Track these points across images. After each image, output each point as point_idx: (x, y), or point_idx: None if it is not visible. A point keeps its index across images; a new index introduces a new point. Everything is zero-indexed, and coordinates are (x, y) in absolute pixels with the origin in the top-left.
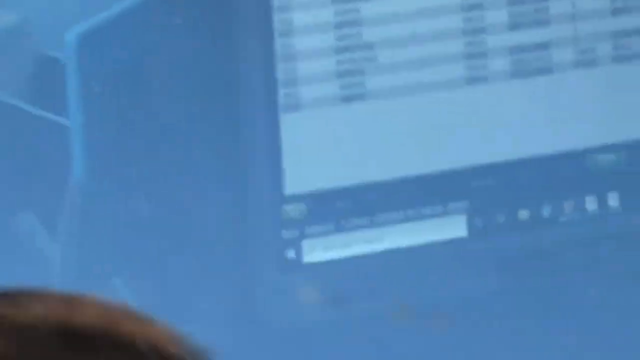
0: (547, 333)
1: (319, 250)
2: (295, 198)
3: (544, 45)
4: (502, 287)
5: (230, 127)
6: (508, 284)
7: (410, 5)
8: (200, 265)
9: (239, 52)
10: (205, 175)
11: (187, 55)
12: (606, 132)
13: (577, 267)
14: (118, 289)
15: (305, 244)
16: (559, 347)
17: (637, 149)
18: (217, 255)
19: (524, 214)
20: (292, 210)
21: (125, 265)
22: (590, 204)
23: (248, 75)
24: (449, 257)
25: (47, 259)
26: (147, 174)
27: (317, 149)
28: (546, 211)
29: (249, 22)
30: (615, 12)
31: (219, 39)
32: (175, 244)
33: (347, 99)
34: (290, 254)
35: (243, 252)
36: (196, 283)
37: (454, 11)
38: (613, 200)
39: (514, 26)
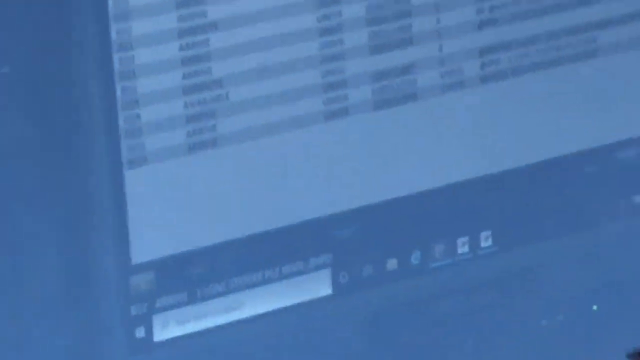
0: None
1: (172, 325)
2: (143, 267)
3: (407, 69)
4: (370, 350)
5: (70, 187)
6: (378, 341)
7: (262, 32)
8: (40, 349)
9: (79, 99)
10: (44, 244)
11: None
12: (480, 163)
13: (452, 316)
14: None
15: (157, 319)
16: None
17: (512, 181)
18: (59, 336)
19: (392, 263)
20: (140, 282)
21: None
22: (462, 246)
23: (89, 128)
24: (315, 320)
25: None
26: None
27: (165, 208)
28: (415, 258)
29: (87, 64)
30: (482, 25)
31: (58, 80)
32: (12, 321)
33: (197, 147)
34: (140, 332)
35: (88, 333)
36: None
37: (309, 37)
38: (486, 240)
39: (374, 49)
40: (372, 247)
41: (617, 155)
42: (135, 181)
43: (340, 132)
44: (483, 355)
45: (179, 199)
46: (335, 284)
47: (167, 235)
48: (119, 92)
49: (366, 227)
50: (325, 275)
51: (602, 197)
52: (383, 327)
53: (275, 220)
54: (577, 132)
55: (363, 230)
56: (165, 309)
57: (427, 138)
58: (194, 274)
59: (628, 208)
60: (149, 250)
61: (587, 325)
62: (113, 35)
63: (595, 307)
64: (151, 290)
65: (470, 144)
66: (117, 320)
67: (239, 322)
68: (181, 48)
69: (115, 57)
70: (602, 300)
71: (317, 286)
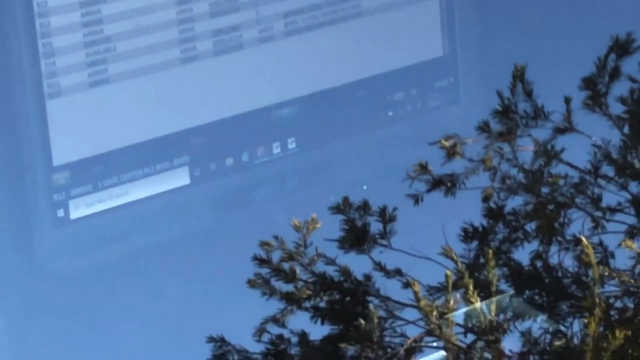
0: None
1: (82, 207)
2: (61, 168)
3: (235, 28)
4: (218, 222)
5: (9, 113)
6: (223, 216)
7: (136, 4)
8: None
9: (11, 53)
10: None
11: None
12: (285, 91)
13: (269, 199)
14: None
15: (72, 203)
16: None
17: (308, 103)
18: (1, 218)
19: (229, 161)
20: (60, 178)
21: None
22: (276, 148)
23: (20, 71)
24: (178, 202)
25: None
26: None
27: (75, 127)
28: (245, 157)
29: (15, 26)
30: None
31: None
32: None
33: (96, 84)
34: (60, 213)
35: (23, 215)
36: None
37: (169, 7)
38: (291, 143)
39: (214, 14)
40: (215, 150)
41: (378, 84)
42: (53, 108)
43: (192, 72)
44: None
45: (85, 120)
46: (192, 176)
47: (78, 145)
48: (40, 47)
49: (212, 136)
50: (184, 171)
51: (368, 112)
52: (227, 206)
53: (150, 133)
54: (350, 68)
55: (209, 139)
56: (77, 196)
57: (251, 74)
58: (97, 171)
59: (386, 120)
60: (65, 155)
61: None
62: (35, 6)
63: (365, 187)
64: (67, 183)
65: (279, 76)
66: (44, 205)
67: (127, 204)
68: (82, 15)
69: (37, 22)
70: (371, 183)
71: (179, 178)
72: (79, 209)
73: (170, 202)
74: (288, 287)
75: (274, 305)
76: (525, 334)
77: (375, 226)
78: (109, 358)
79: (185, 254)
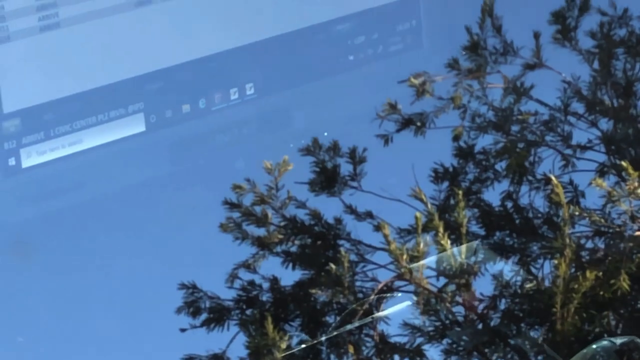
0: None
1: (34, 155)
2: (12, 115)
3: None
4: (175, 169)
5: None
6: (178, 163)
7: None
8: None
9: None
10: None
11: None
12: (241, 36)
13: (227, 146)
14: None
15: (23, 152)
16: None
17: (267, 48)
18: None
19: (186, 107)
20: (10, 125)
21: None
22: (234, 94)
23: None
24: (133, 149)
25: None
26: None
27: (26, 73)
28: (202, 103)
29: None
30: None
31: None
32: None
33: (46, 29)
34: (12, 161)
35: None
36: None
37: None
38: (250, 89)
39: None
40: (171, 96)
41: (338, 28)
42: (2, 54)
43: (146, 16)
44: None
45: (35, 66)
46: (147, 123)
47: (28, 91)
48: None
49: (167, 82)
50: (139, 118)
51: (328, 57)
52: (184, 153)
53: (104, 79)
54: (310, 12)
55: (165, 85)
56: (28, 144)
57: (208, 17)
58: (48, 118)
59: (347, 65)
60: (15, 102)
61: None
62: None
63: (325, 134)
64: (18, 131)
65: (236, 20)
66: None
67: (81, 152)
68: None
69: None
70: (332, 129)
71: (135, 125)
72: (31, 158)
73: (125, 150)
74: (259, 232)
75: (241, 251)
76: (496, 277)
77: (346, 168)
78: (63, 310)
79: (142, 203)
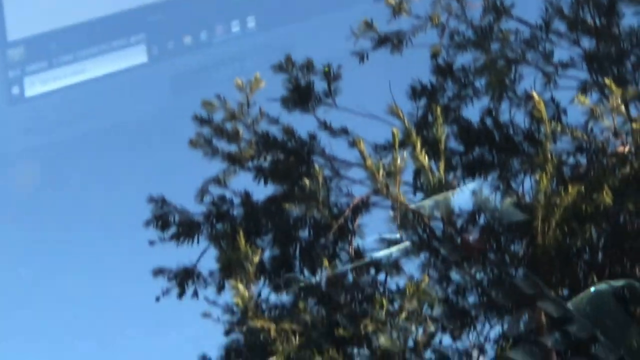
0: None
1: (38, 84)
2: (16, 43)
3: None
4: (175, 97)
5: None
6: (179, 94)
7: None
8: None
9: None
10: None
11: None
12: None
13: (228, 79)
14: None
15: (27, 80)
16: None
17: None
18: None
19: (187, 39)
20: (14, 54)
21: None
22: (235, 27)
23: None
24: (135, 80)
25: None
26: None
27: (30, 0)
28: (204, 35)
29: None
30: None
31: None
32: None
33: None
34: (15, 90)
35: None
36: None
37: None
38: (251, 22)
39: None
40: (174, 28)
41: None
42: None
43: None
44: None
45: None
46: (149, 54)
47: (32, 20)
48: None
49: (169, 13)
50: (142, 49)
51: None
52: (183, 84)
53: (106, 8)
54: None
55: (167, 16)
56: (32, 73)
57: None
58: (52, 47)
59: None
60: (19, 30)
61: None
62: None
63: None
64: (22, 59)
65: None
66: None
67: (84, 82)
68: None
69: None
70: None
71: (137, 56)
72: (34, 86)
73: (127, 80)
74: (230, 149)
75: (212, 168)
76: (476, 193)
77: (320, 86)
78: (67, 228)
79: (143, 133)
